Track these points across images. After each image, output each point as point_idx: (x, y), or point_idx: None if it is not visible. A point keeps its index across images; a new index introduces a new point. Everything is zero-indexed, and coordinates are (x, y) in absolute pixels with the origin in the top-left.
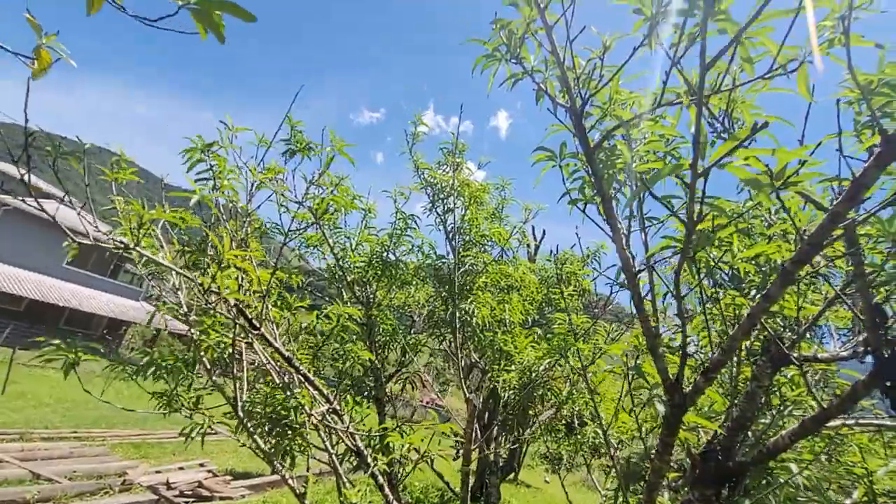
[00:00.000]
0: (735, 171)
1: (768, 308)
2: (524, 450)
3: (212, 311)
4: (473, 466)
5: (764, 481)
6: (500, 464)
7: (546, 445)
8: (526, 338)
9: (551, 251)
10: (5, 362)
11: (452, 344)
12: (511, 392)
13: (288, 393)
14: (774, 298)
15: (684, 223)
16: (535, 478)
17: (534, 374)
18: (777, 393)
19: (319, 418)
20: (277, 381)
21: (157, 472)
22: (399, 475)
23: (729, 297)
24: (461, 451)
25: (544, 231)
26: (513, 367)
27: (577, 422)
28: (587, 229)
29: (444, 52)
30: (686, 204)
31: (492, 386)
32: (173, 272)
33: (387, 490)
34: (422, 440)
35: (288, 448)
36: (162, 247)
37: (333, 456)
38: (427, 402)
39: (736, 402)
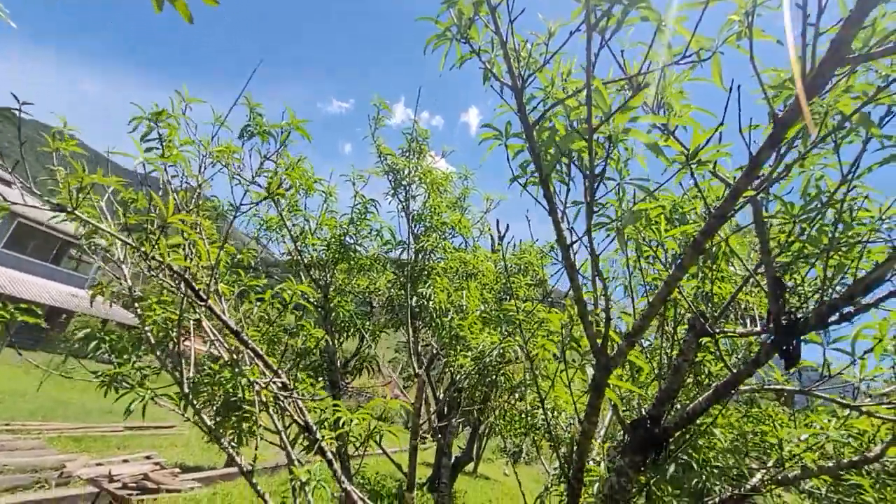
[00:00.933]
0: (638, 135)
1: (681, 276)
2: (483, 443)
3: (156, 283)
4: (431, 459)
5: (688, 447)
6: (458, 455)
7: (504, 438)
8: (483, 326)
9: (512, 244)
10: None
11: (408, 327)
12: (466, 379)
13: (237, 370)
14: (687, 267)
15: (585, 176)
16: (494, 471)
17: (488, 359)
18: (704, 370)
19: (270, 396)
20: (227, 359)
21: (99, 464)
22: (351, 462)
23: (653, 275)
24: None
25: (508, 225)
26: (469, 354)
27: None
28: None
29: (418, 49)
30: (594, 163)
31: (450, 376)
32: (117, 244)
33: (336, 466)
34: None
35: (235, 425)
36: (106, 218)
37: (284, 435)
38: (391, 398)
39: (664, 376)
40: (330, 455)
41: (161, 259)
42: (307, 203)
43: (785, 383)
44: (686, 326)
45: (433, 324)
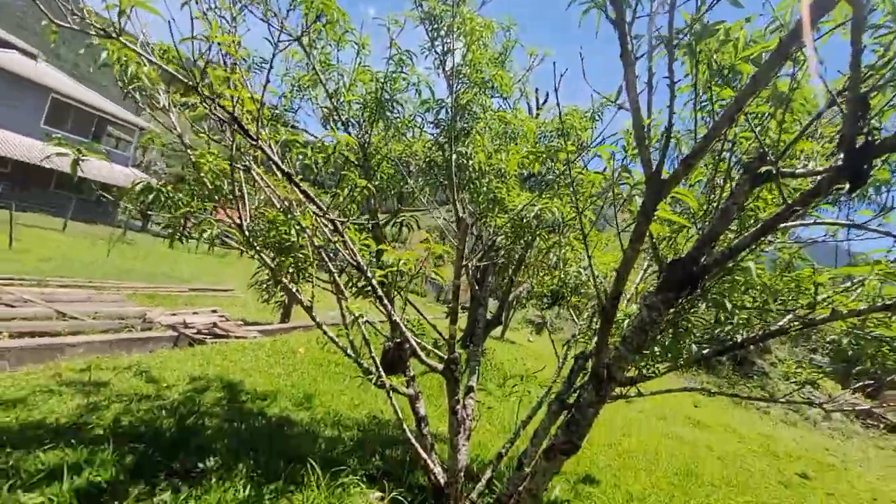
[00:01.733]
0: None
1: (754, 91)
2: (511, 314)
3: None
4: (462, 324)
5: (724, 284)
6: (489, 318)
7: (533, 297)
8: (521, 189)
9: (553, 110)
10: (5, 221)
11: (450, 176)
12: (502, 237)
13: (289, 216)
14: (764, 78)
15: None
16: (520, 338)
17: (524, 220)
18: (751, 217)
19: (322, 240)
20: (278, 207)
21: (173, 314)
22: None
23: (722, 94)
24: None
25: (548, 93)
26: (505, 216)
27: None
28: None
29: None
30: None
31: (483, 244)
32: (160, 91)
33: (385, 302)
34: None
35: (292, 268)
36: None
37: (335, 274)
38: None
39: (710, 218)
40: (381, 292)
41: (210, 94)
42: (339, 57)
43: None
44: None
45: (471, 186)
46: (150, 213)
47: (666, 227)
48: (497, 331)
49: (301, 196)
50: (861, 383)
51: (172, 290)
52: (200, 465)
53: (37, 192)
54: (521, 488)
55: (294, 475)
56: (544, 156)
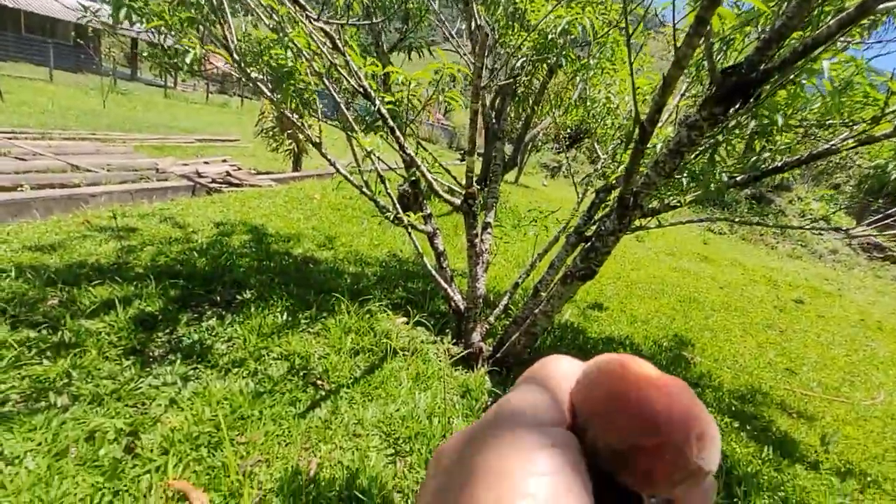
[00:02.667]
0: None
1: None
2: (526, 157)
3: None
4: (478, 169)
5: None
6: (505, 158)
7: (548, 151)
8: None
9: None
10: None
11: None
12: (523, 59)
13: (280, 34)
14: None
15: None
16: (534, 182)
17: (549, 38)
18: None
19: (322, 66)
20: (268, 24)
21: (185, 164)
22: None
23: None
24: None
25: None
26: (527, 35)
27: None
28: None
29: None
30: None
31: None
32: None
33: (398, 133)
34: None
35: (293, 96)
36: None
37: (341, 103)
38: (433, 122)
39: (783, 10)
40: (391, 123)
41: None
42: None
43: None
44: None
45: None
46: (134, 52)
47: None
48: (511, 175)
49: (288, 4)
50: (880, 216)
51: (179, 140)
52: (238, 296)
53: (12, 38)
54: (536, 311)
55: (324, 304)
56: None
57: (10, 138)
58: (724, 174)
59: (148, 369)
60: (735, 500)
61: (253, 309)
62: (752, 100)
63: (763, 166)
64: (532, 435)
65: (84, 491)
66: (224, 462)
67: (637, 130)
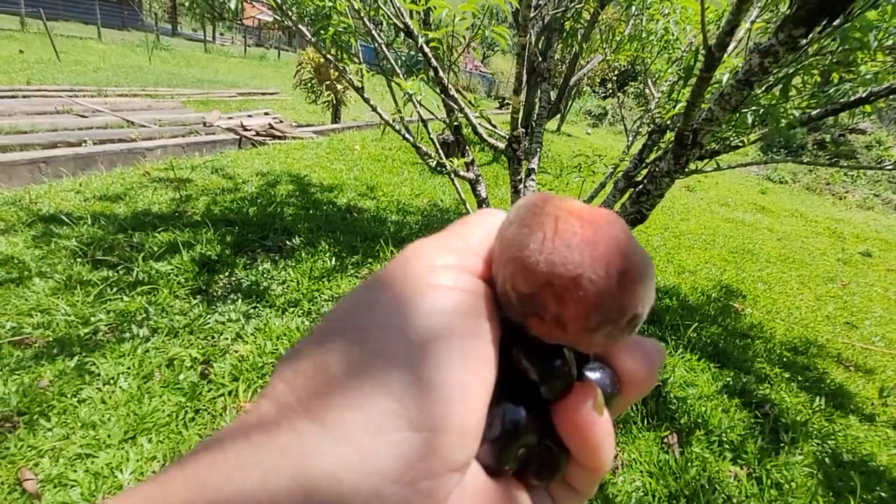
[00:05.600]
0: None
1: None
2: (569, 104)
3: None
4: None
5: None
6: (551, 101)
7: (593, 96)
8: None
9: None
10: (43, 33)
11: None
12: None
13: None
14: None
15: None
16: (577, 131)
17: None
18: None
19: (360, 4)
20: None
21: (230, 118)
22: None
23: None
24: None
25: None
26: None
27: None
28: None
29: None
30: None
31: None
32: None
33: (441, 74)
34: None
35: (334, 38)
36: None
37: (382, 44)
38: (471, 68)
39: None
40: (434, 63)
41: None
42: None
43: None
44: None
45: None
46: (173, 3)
47: None
48: (552, 124)
49: None
50: None
51: (222, 95)
52: (288, 242)
53: None
54: None
55: (369, 251)
56: None
57: (71, 96)
58: (794, 110)
59: (213, 307)
60: (781, 444)
61: (303, 254)
62: (840, 18)
63: (843, 99)
64: (430, 274)
65: (170, 409)
66: None
67: (699, 60)
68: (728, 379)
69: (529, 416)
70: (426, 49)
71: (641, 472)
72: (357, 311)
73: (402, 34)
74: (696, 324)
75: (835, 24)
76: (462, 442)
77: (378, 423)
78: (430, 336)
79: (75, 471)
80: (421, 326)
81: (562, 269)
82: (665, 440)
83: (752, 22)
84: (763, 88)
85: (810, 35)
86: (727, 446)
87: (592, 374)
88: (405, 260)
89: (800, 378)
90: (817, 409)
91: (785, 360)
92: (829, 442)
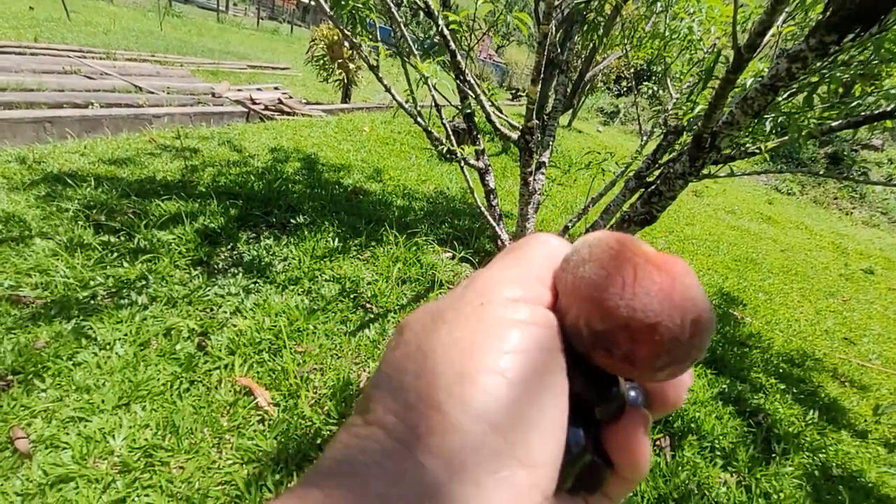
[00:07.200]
0: None
1: None
2: (582, 100)
3: None
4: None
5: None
6: (567, 93)
7: (606, 93)
8: None
9: None
10: None
11: None
12: None
13: None
14: None
15: None
16: (588, 128)
17: None
18: None
19: None
20: None
21: (239, 90)
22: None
23: None
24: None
25: None
26: None
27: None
28: None
29: None
30: None
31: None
32: None
33: (458, 58)
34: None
35: (351, 13)
36: None
37: (400, 23)
38: (485, 57)
39: None
40: (452, 45)
41: None
42: None
43: None
44: None
45: None
46: None
47: None
48: (563, 119)
49: None
50: None
51: (232, 66)
52: (292, 220)
53: None
54: None
55: (373, 234)
56: None
57: (80, 57)
58: (813, 120)
59: (213, 279)
60: (773, 454)
61: (307, 232)
62: (876, 26)
63: (864, 112)
64: (506, 309)
65: (165, 378)
66: (283, 366)
67: (721, 62)
68: (724, 386)
69: (587, 436)
70: (446, 31)
71: None
72: (454, 350)
73: (420, 13)
74: None
75: (870, 31)
76: (555, 473)
77: (494, 462)
78: (525, 376)
79: (68, 433)
80: (516, 366)
81: (641, 314)
82: (657, 442)
83: (784, 24)
84: (786, 95)
85: (842, 42)
86: (719, 453)
87: (630, 394)
88: (476, 294)
89: (795, 390)
90: (810, 421)
91: (781, 371)
92: (820, 455)
